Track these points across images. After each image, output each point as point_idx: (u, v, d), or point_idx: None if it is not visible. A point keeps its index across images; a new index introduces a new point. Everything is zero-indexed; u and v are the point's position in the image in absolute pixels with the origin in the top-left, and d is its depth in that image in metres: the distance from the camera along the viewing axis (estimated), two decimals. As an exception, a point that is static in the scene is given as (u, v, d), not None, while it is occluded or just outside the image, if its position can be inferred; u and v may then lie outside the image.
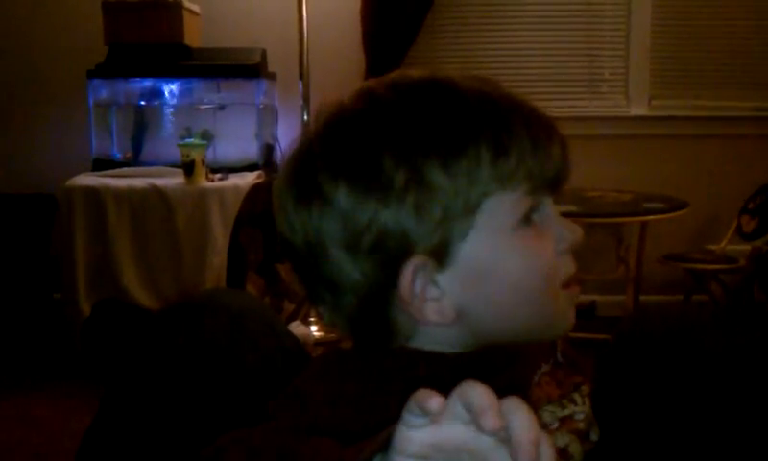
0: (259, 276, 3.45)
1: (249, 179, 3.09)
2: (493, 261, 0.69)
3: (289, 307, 3.42)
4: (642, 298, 3.41)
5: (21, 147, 3.70)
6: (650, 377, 0.85)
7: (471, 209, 0.67)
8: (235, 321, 0.87)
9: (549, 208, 0.72)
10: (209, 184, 2.97)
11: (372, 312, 0.70)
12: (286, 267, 3.43)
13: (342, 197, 0.67)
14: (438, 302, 0.68)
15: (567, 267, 0.73)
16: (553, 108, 3.30)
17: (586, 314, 3.72)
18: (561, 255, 0.72)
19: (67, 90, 3.57)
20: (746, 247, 3.32)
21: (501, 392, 0.42)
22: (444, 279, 0.68)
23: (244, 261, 3.06)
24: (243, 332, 0.86)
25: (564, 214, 2.70)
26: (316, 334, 3.31)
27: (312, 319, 3.41)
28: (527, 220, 0.70)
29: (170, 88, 3.45)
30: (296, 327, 3.17)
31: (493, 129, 0.68)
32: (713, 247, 3.62)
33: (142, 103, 3.44)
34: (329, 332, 3.36)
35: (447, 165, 0.66)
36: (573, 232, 0.72)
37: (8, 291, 3.27)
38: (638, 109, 3.84)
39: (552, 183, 0.72)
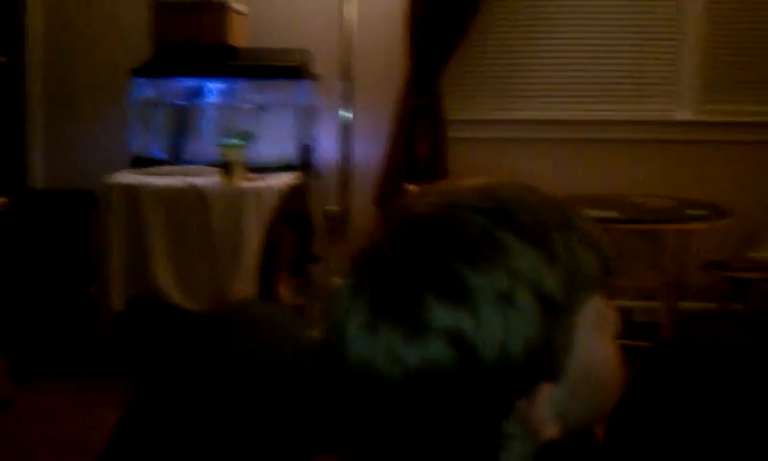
0: (292, 276, 3.46)
1: (285, 179, 3.11)
2: (592, 366, 0.68)
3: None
4: (681, 305, 3.35)
5: (63, 143, 3.78)
6: (691, 393, 0.86)
7: (574, 320, 0.66)
8: (263, 337, 0.87)
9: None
10: (246, 184, 2.99)
11: (475, 442, 0.67)
12: (319, 268, 3.44)
13: (467, 327, 0.63)
14: (553, 420, 0.66)
15: (621, 355, 0.73)
16: (599, 110, 3.26)
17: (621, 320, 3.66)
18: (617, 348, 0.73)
19: (110, 88, 3.63)
20: (791, 256, 3.23)
21: None
22: (558, 391, 0.67)
23: (277, 261, 3.07)
24: (269, 349, 0.86)
25: (606, 220, 2.65)
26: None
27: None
28: (601, 318, 0.69)
29: (213, 88, 3.49)
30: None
31: (583, 234, 0.67)
32: (756, 255, 3.53)
33: (184, 102, 3.48)
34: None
35: (559, 277, 0.65)
36: (617, 321, 0.72)
37: (47, 284, 3.33)
38: (685, 114, 3.76)
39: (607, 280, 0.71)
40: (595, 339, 0.68)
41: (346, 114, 3.45)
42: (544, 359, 0.64)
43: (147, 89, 3.46)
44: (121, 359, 2.83)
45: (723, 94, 3.75)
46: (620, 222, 3.06)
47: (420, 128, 3.64)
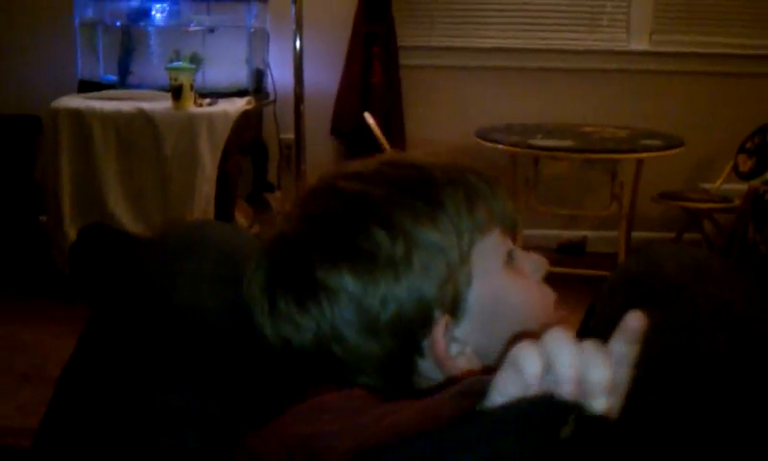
0: (248, 204, 3.41)
1: (238, 105, 3.02)
2: (497, 300, 0.74)
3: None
4: (635, 235, 3.39)
5: (5, 66, 3.61)
6: (659, 319, 0.85)
7: (466, 259, 0.72)
8: (222, 256, 0.85)
9: (515, 248, 0.78)
10: (198, 109, 2.90)
11: (395, 381, 0.73)
12: (275, 196, 3.40)
13: (349, 284, 0.69)
14: (464, 354, 0.72)
15: (550, 293, 0.80)
16: (554, 38, 3.22)
17: (576, 250, 3.71)
18: (540, 285, 0.79)
19: (52, 8, 3.48)
20: (742, 186, 3.29)
21: None
22: (461, 331, 0.72)
23: (233, 189, 3.00)
24: (229, 268, 0.84)
25: (560, 149, 2.66)
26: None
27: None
28: (509, 259, 0.76)
29: (158, 8, 3.35)
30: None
31: (463, 185, 0.74)
32: (709, 186, 3.59)
33: (129, 24, 3.34)
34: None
35: (436, 223, 0.71)
36: (541, 263, 0.79)
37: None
38: (639, 44, 3.76)
39: (511, 228, 0.78)
40: (501, 276, 0.74)
41: (298, 38, 3.36)
42: (434, 296, 0.70)
43: (90, 10, 3.32)
44: (76, 288, 2.77)
45: (677, 25, 3.75)
46: (575, 151, 3.07)
47: (374, 55, 3.58)
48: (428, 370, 0.72)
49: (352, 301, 0.69)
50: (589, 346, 0.50)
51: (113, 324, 0.83)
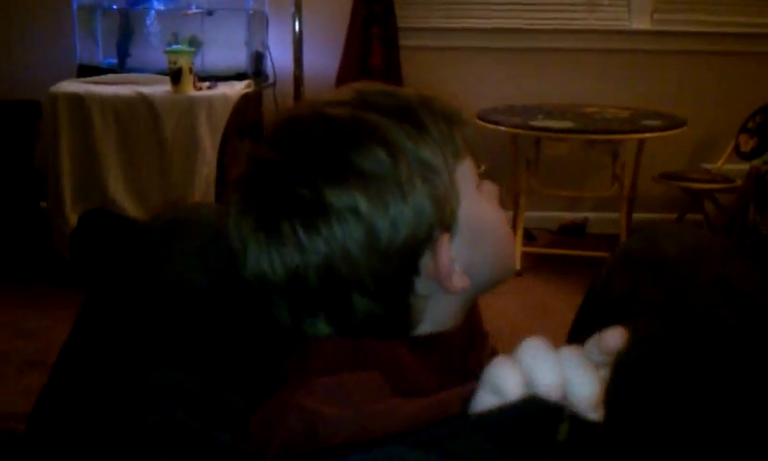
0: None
1: (238, 88, 3.01)
2: (480, 217, 0.79)
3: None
4: (635, 216, 3.39)
5: (4, 51, 3.59)
6: (662, 296, 0.86)
7: (454, 179, 0.76)
8: (212, 235, 0.85)
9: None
10: (197, 93, 2.89)
11: (393, 306, 0.74)
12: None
13: (361, 204, 0.70)
14: (456, 272, 0.75)
15: (505, 215, 0.85)
16: (555, 18, 3.20)
17: (577, 231, 3.70)
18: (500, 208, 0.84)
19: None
20: (743, 166, 3.28)
21: None
22: (453, 249, 0.75)
23: (233, 172, 2.99)
24: (219, 246, 0.83)
25: (562, 130, 2.66)
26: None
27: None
28: (480, 181, 0.81)
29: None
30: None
31: (440, 112, 0.77)
32: (710, 166, 3.58)
33: (127, 7, 3.32)
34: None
35: (428, 144, 0.74)
36: (495, 189, 0.83)
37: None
38: (640, 24, 3.74)
39: (475, 154, 0.82)
40: (476, 198, 0.78)
41: (298, 21, 3.34)
42: (434, 213, 0.73)
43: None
44: (77, 273, 2.76)
45: (678, 4, 3.73)
46: (576, 132, 3.06)
47: (373, 36, 3.56)
48: (423, 288, 0.75)
49: (363, 221, 0.70)
50: (570, 357, 0.46)
51: (105, 305, 0.85)
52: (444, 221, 0.74)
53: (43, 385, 0.84)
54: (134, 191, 2.85)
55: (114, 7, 3.31)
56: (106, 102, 2.83)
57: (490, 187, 0.82)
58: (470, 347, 0.84)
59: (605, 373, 0.49)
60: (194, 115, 2.82)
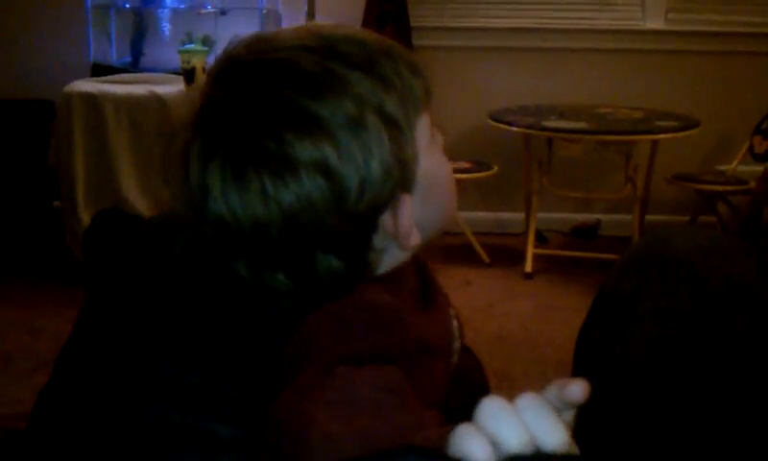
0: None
1: (251, 88, 3.01)
2: (434, 174, 0.77)
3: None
4: (648, 218, 3.38)
5: (18, 51, 3.61)
6: (674, 297, 0.86)
7: (414, 137, 0.73)
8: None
9: None
10: (210, 93, 2.89)
11: (353, 262, 0.73)
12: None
13: (332, 162, 0.68)
14: (414, 227, 0.74)
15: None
16: (569, 18, 3.18)
17: (589, 233, 3.69)
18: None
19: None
20: (757, 168, 3.26)
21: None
22: (412, 202, 0.74)
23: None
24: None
25: (575, 131, 2.65)
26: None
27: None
28: (431, 133, 0.78)
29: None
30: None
31: (402, 60, 0.74)
32: (724, 168, 3.56)
33: (141, 6, 3.34)
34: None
35: (390, 96, 0.71)
36: (440, 136, 0.80)
37: (6, 198, 3.23)
38: (654, 23, 3.73)
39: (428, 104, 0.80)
40: (430, 152, 0.76)
41: (310, 19, 3.35)
42: (398, 174, 0.71)
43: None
44: (89, 274, 2.78)
45: (692, 3, 3.71)
46: (589, 133, 3.05)
47: (386, 35, 3.55)
48: (379, 243, 0.74)
49: (332, 178, 0.68)
50: (531, 409, 0.44)
51: (102, 303, 0.86)
52: (407, 181, 0.73)
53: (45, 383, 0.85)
54: (147, 191, 2.85)
55: (126, 5, 3.32)
56: (119, 101, 2.84)
57: (438, 138, 0.80)
58: (430, 299, 0.82)
59: (568, 415, 0.47)
60: (206, 115, 2.82)
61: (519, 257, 3.26)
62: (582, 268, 3.16)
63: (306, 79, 0.70)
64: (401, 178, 0.72)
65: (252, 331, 0.80)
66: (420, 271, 0.83)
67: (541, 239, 3.54)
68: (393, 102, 0.71)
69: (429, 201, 0.76)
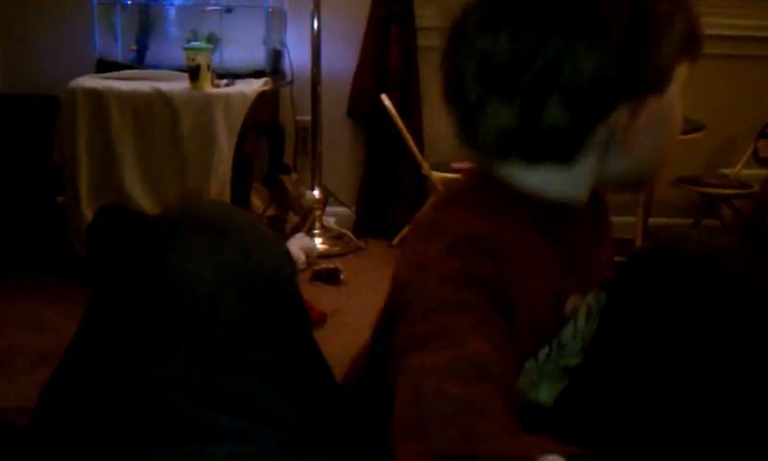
0: (265, 186, 3.41)
1: (255, 86, 3.02)
2: (672, 111, 0.82)
3: (294, 219, 3.39)
4: (652, 220, 3.37)
5: (23, 46, 3.61)
6: (681, 299, 0.88)
7: (671, 74, 0.80)
8: (216, 231, 0.86)
9: None
10: (215, 90, 2.90)
11: (575, 128, 0.77)
12: (292, 179, 3.40)
13: (616, 32, 0.74)
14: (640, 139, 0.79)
15: None
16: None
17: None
18: None
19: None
20: (761, 172, 3.26)
21: None
22: (653, 114, 0.79)
23: (249, 171, 3.00)
24: (224, 242, 0.85)
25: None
26: (320, 247, 3.29)
27: (316, 231, 3.39)
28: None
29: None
30: (300, 240, 3.14)
31: (693, 23, 0.84)
32: (728, 171, 3.56)
33: (146, 3, 3.34)
34: (333, 246, 3.34)
35: (680, 36, 0.80)
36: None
37: (10, 193, 3.24)
38: (659, 26, 3.71)
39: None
40: (677, 96, 0.82)
41: (316, 18, 3.35)
42: (657, 74, 0.77)
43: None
44: (93, 269, 2.78)
45: (696, 6, 3.69)
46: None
47: (391, 35, 3.55)
48: (600, 135, 0.78)
49: (612, 51, 0.74)
50: None
51: (109, 299, 0.86)
52: (659, 86, 0.78)
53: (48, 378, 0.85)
54: (151, 187, 2.86)
55: (129, 2, 3.32)
56: (124, 98, 2.84)
57: (681, 93, 0.85)
58: (594, 239, 0.89)
59: None
60: (211, 112, 2.82)
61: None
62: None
63: None
64: (657, 79, 0.78)
65: (260, 333, 0.81)
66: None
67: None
68: (681, 27, 0.79)
69: (655, 135, 0.81)
